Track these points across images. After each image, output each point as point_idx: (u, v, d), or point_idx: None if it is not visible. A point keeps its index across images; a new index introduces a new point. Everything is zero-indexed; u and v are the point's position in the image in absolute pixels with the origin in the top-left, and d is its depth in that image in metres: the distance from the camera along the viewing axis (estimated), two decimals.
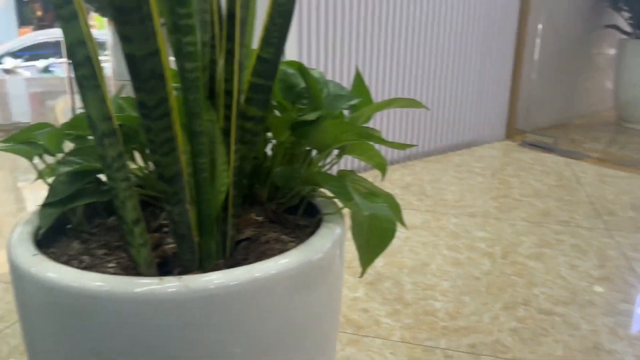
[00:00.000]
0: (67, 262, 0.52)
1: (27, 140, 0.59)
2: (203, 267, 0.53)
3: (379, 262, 1.30)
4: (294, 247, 0.53)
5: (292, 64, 0.64)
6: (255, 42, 0.54)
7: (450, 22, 2.21)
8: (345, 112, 0.64)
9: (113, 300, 0.43)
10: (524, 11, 2.48)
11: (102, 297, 0.43)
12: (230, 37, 0.49)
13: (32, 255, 0.48)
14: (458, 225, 1.54)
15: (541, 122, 2.80)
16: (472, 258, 1.33)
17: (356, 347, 0.97)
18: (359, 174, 0.61)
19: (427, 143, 2.29)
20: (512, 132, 2.64)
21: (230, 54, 0.50)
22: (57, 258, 0.52)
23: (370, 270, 1.25)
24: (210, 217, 0.52)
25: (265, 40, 0.50)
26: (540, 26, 2.56)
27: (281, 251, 0.54)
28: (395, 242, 1.41)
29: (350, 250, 0.56)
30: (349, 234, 0.58)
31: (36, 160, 0.61)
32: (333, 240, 0.54)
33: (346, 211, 0.58)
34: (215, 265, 0.53)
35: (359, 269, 0.57)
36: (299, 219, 0.61)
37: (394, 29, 2.03)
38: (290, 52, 1.78)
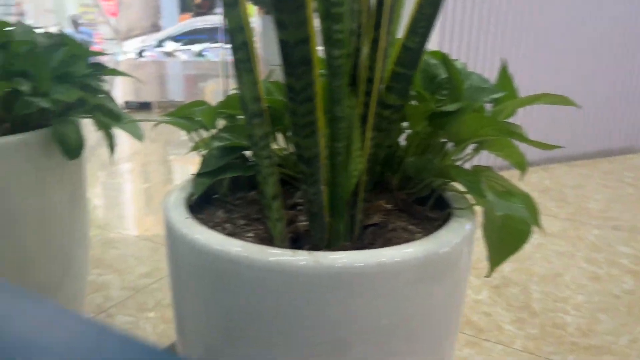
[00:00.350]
0: (212, 228, 0.57)
1: (186, 116, 0.65)
2: (331, 246, 0.55)
3: (507, 267, 1.24)
4: (421, 237, 0.53)
5: (435, 54, 0.63)
6: (401, 31, 0.54)
7: (608, 19, 2.01)
8: (487, 106, 0.62)
9: (250, 266, 0.47)
10: None
11: (241, 261, 0.47)
12: (377, 26, 0.50)
13: (185, 218, 0.54)
14: (600, 238, 1.42)
15: None
16: (613, 274, 1.22)
17: (474, 349, 0.94)
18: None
19: (573, 145, 2.12)
20: None
21: (375, 42, 0.51)
22: (204, 223, 0.58)
23: (496, 274, 1.20)
24: (341, 200, 0.54)
25: (412, 30, 0.50)
26: None
27: (407, 240, 0.55)
28: (526, 248, 1.34)
29: (476, 250, 0.54)
30: (478, 234, 0.57)
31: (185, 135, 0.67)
32: (462, 235, 0.53)
33: (479, 209, 0.57)
34: (342, 246, 0.55)
35: (484, 271, 0.55)
36: (428, 211, 0.61)
37: (545, 20, 1.90)
38: (434, 42, 1.75)
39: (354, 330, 0.48)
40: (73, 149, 0.80)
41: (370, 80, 0.52)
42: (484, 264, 0.55)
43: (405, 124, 0.64)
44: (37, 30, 0.89)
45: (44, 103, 0.76)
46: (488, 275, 0.55)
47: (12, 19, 0.92)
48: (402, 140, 0.66)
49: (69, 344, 0.12)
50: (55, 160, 0.83)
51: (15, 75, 0.80)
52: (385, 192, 0.64)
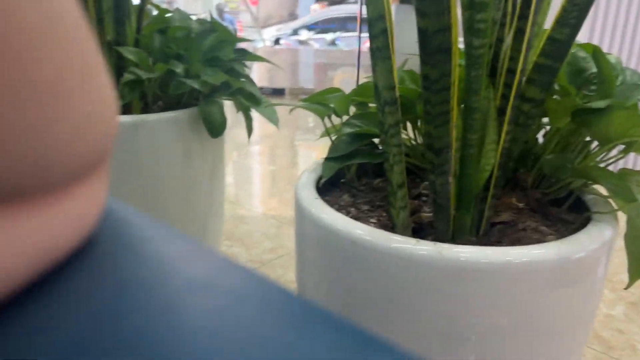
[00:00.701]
0: (338, 210, 0.59)
1: (320, 102, 0.68)
2: (455, 239, 0.55)
3: None
4: (553, 239, 0.50)
5: (585, 47, 0.59)
6: (548, 22, 0.52)
7: None
8: None
9: (372, 250, 0.48)
10: None
11: (364, 245, 0.48)
12: (523, 16, 0.48)
13: (314, 198, 0.56)
14: None
15: None
16: None
17: None
18: None
19: None
20: None
21: (520, 32, 0.49)
22: (330, 205, 0.60)
23: (635, 290, 1.09)
24: (470, 193, 0.53)
25: (561, 21, 0.48)
26: None
27: (538, 241, 0.52)
28: None
29: (612, 261, 0.49)
30: (618, 243, 0.52)
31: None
32: (601, 242, 0.49)
33: (622, 215, 0.53)
34: (467, 240, 0.54)
35: (621, 284, 0.51)
36: (563, 213, 0.57)
37: None
38: (583, 33, 1.62)
39: (471, 326, 0.47)
40: (217, 127, 0.87)
41: (511, 72, 0.50)
42: (621, 277, 0.51)
43: (545, 119, 0.60)
44: (192, 17, 0.98)
45: (195, 84, 0.83)
46: (626, 288, 0.51)
47: (164, 7, 1.02)
48: (540, 136, 0.62)
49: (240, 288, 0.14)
50: (200, 137, 0.91)
51: (171, 58, 0.89)
52: (517, 189, 0.61)
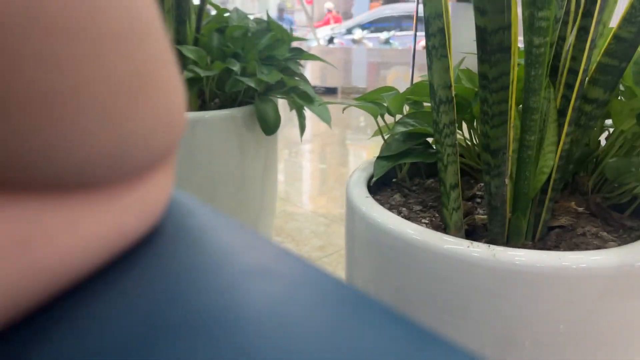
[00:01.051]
0: (389, 210, 0.59)
1: (374, 100, 0.68)
2: (510, 243, 0.54)
3: None
4: (614, 246, 0.48)
5: None
6: (614, 21, 0.50)
7: None
8: None
9: (425, 250, 0.47)
10: None
11: (416, 245, 0.48)
12: (587, 14, 0.47)
13: (365, 197, 0.57)
14: None
15: None
16: None
17: None
18: None
19: None
20: None
21: (583, 31, 0.47)
22: (381, 204, 0.60)
23: None
24: (526, 196, 0.52)
25: (628, 18, 0.46)
26: None
27: (598, 247, 0.51)
28: None
29: None
30: None
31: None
32: None
33: None
34: (522, 244, 0.53)
35: None
36: (625, 219, 0.55)
37: None
38: None
39: (526, 330, 0.46)
40: (271, 125, 0.89)
41: (573, 72, 0.48)
42: None
43: (608, 121, 0.58)
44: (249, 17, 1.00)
45: (250, 83, 0.85)
46: None
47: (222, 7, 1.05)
48: (602, 139, 0.60)
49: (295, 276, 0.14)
50: (255, 134, 0.93)
51: (229, 57, 0.91)
52: (576, 193, 0.59)
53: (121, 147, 0.14)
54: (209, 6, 1.03)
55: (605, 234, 0.53)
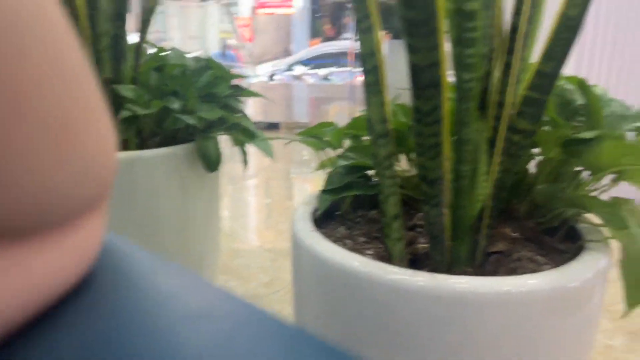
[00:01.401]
0: (334, 242, 0.59)
1: (315, 135, 0.69)
2: (451, 270, 0.55)
3: None
4: (548, 269, 0.51)
5: (571, 79, 0.61)
6: (535, 56, 0.53)
7: None
8: (630, 135, 0.58)
9: (370, 281, 0.48)
10: None
11: (361, 276, 0.48)
12: (511, 51, 0.50)
13: (310, 230, 0.57)
14: None
15: None
16: None
17: None
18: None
19: None
20: None
21: (508, 66, 0.50)
22: (327, 237, 0.60)
23: (634, 320, 1.09)
24: (464, 224, 0.54)
25: (547, 55, 0.49)
26: None
27: (534, 271, 0.53)
28: None
29: (609, 291, 0.50)
30: (614, 273, 0.53)
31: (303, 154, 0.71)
32: (595, 270, 0.50)
33: (615, 245, 0.53)
34: (463, 271, 0.54)
35: (620, 313, 0.51)
36: (557, 242, 0.58)
37: None
38: (570, 66, 1.66)
39: (471, 355, 0.47)
40: (213, 162, 0.88)
41: (500, 105, 0.51)
42: (620, 307, 0.51)
43: (536, 150, 0.62)
44: (188, 55, 1.00)
45: (190, 120, 0.85)
46: (622, 316, 0.51)
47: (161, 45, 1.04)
48: (532, 167, 0.63)
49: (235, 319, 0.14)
50: (197, 172, 0.92)
51: (168, 95, 0.90)
52: (511, 219, 0.62)
53: (48, 197, 0.14)
54: (146, 45, 1.02)
55: (539, 257, 0.55)
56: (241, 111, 0.97)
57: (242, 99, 1.00)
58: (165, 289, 0.16)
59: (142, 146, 0.94)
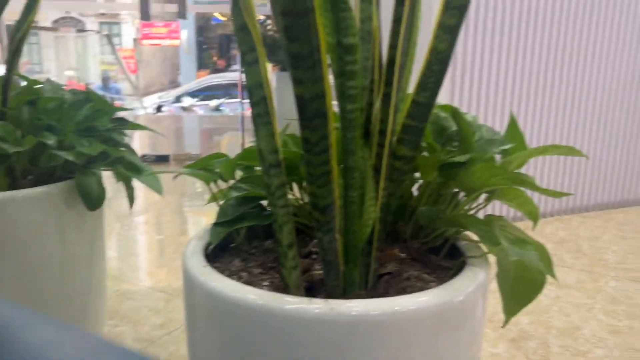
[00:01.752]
0: (229, 276, 0.58)
1: (205, 167, 0.68)
2: (346, 294, 0.56)
3: (524, 319, 1.22)
4: (435, 286, 0.54)
5: (445, 107, 0.66)
6: (411, 87, 0.57)
7: (619, 66, 2.05)
8: (498, 157, 0.64)
9: (266, 313, 0.47)
10: None
11: (257, 309, 0.48)
12: (389, 82, 0.53)
13: (203, 266, 0.55)
14: (618, 290, 1.39)
15: None
16: (634, 327, 1.19)
17: None
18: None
19: (587, 197, 2.12)
20: None
21: (387, 97, 0.53)
22: (221, 271, 0.59)
23: (513, 327, 1.18)
24: (356, 248, 0.55)
25: (421, 85, 0.53)
26: None
27: (422, 289, 0.55)
28: (543, 300, 1.32)
29: (491, 303, 0.54)
30: (493, 285, 0.57)
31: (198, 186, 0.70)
32: (476, 284, 0.53)
33: (492, 259, 0.58)
34: (357, 294, 0.56)
35: (501, 323, 0.55)
36: (441, 260, 0.61)
37: (554, 72, 1.94)
38: (444, 96, 1.79)
39: None
40: (94, 200, 0.83)
41: (382, 133, 0.54)
42: (501, 317, 0.55)
43: (417, 174, 0.65)
44: (66, 88, 0.94)
45: (68, 156, 0.79)
46: (503, 326, 0.55)
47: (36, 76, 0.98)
48: (415, 190, 0.67)
49: None
50: (77, 211, 0.86)
51: (43, 130, 0.84)
52: (398, 241, 0.65)
53: None
54: (16, 77, 0.95)
55: (426, 275, 0.58)
56: (126, 145, 0.92)
57: (128, 132, 0.96)
58: (34, 345, 0.15)
59: (14, 186, 0.86)
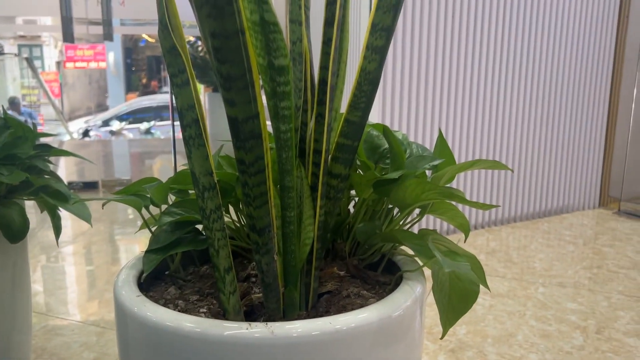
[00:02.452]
0: (164, 305, 0.56)
1: (136, 193, 0.65)
2: (287, 316, 0.55)
3: (462, 330, 1.25)
4: (374, 302, 0.54)
5: (377, 126, 0.67)
6: (343, 106, 0.58)
7: (539, 85, 2.18)
8: (428, 173, 0.66)
9: (205, 342, 0.46)
10: (617, 74, 2.41)
11: (196, 337, 0.46)
12: (321, 102, 0.54)
13: (136, 296, 0.53)
14: (547, 296, 1.47)
15: (639, 190, 2.64)
16: (563, 331, 1.25)
17: None
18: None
19: (514, 208, 2.22)
20: (606, 199, 2.50)
21: (320, 117, 0.54)
22: (155, 301, 0.57)
23: (451, 338, 1.21)
24: (295, 268, 0.55)
25: (353, 105, 0.54)
26: (635, 90, 2.46)
27: (361, 306, 0.56)
28: (478, 310, 1.36)
29: (430, 315, 0.55)
30: (430, 299, 0.58)
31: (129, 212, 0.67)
32: (413, 297, 0.54)
33: (428, 272, 0.59)
34: (298, 315, 0.55)
35: (440, 334, 0.56)
36: (379, 276, 0.62)
37: (478, 91, 2.04)
38: (376, 114, 1.84)
39: None
40: (16, 232, 0.78)
41: (317, 152, 0.54)
42: (440, 329, 0.56)
43: (353, 192, 0.66)
44: None
45: None
46: (441, 338, 0.56)
47: None
48: (351, 207, 0.68)
49: None
50: None
51: None
52: (337, 259, 0.65)
53: None
54: None
55: (365, 292, 0.59)
56: (51, 172, 0.88)
57: (53, 159, 0.92)
58: None
59: None
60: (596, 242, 1.96)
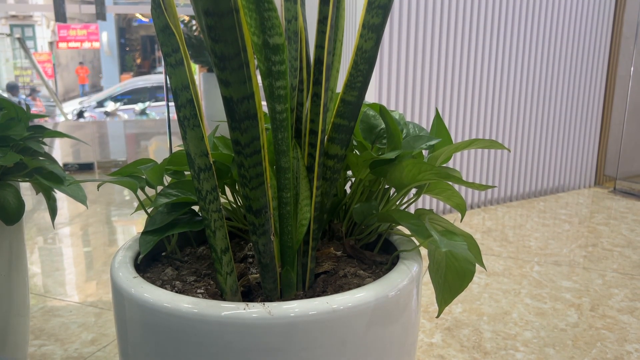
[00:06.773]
0: (161, 286, 0.56)
1: (131, 174, 0.65)
2: (284, 296, 0.56)
3: (457, 309, 1.26)
4: (370, 282, 0.54)
5: (373, 106, 0.67)
6: (340, 86, 0.57)
7: (536, 64, 2.17)
8: (425, 153, 0.66)
9: (202, 322, 0.46)
10: (614, 52, 2.39)
11: (193, 318, 0.46)
12: (317, 82, 0.53)
13: (133, 277, 0.53)
14: (542, 274, 1.48)
15: (634, 169, 2.65)
16: (557, 309, 1.27)
17: None
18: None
19: (510, 188, 2.23)
20: (601, 178, 2.51)
21: (316, 97, 0.53)
22: (153, 282, 0.57)
23: (447, 316, 1.22)
24: (292, 249, 0.55)
25: (349, 85, 0.53)
26: (632, 69, 2.45)
27: (358, 285, 0.56)
28: (474, 289, 1.37)
29: (427, 294, 0.56)
30: (426, 278, 0.59)
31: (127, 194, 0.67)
32: (410, 277, 0.55)
33: (424, 252, 0.59)
34: (295, 295, 0.56)
35: (436, 313, 0.57)
36: (376, 255, 0.62)
37: (475, 70, 2.03)
38: (372, 94, 1.83)
39: None
40: (12, 214, 0.77)
41: (313, 132, 0.54)
42: (436, 308, 0.57)
43: (349, 172, 0.66)
44: None
45: None
46: (437, 316, 0.57)
47: None
48: (347, 188, 0.68)
49: None
50: None
51: None
52: (333, 239, 0.65)
53: None
54: None
55: (362, 272, 0.59)
56: (46, 154, 0.87)
57: (48, 140, 0.91)
58: None
59: None
60: (591, 221, 1.98)
